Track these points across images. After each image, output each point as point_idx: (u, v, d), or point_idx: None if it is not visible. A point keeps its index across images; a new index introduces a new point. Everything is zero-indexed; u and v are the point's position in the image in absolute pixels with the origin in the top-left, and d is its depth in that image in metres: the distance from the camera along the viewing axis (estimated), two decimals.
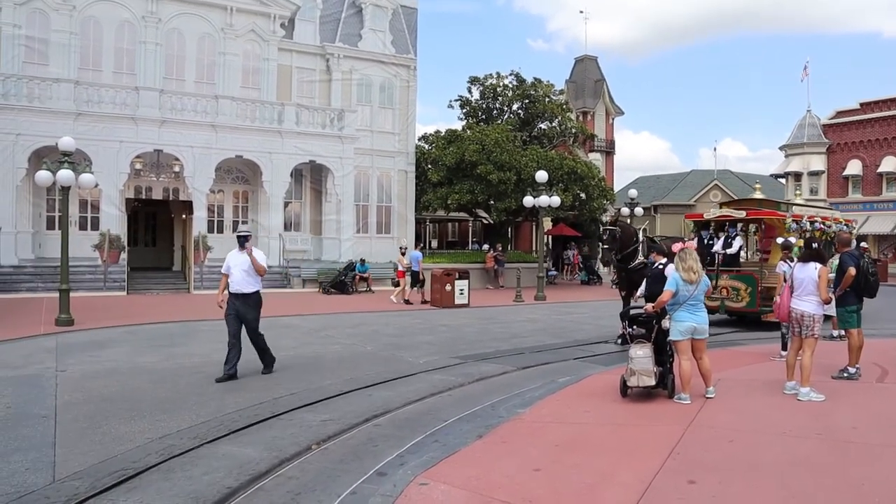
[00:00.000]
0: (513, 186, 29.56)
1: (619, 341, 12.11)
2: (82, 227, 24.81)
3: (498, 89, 37.95)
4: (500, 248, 32.13)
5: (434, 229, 45.53)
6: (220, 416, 7.71)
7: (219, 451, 6.43)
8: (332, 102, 29.93)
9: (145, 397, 8.63)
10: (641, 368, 7.94)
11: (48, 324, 15.02)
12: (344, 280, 25.98)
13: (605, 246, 13.48)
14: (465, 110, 38.81)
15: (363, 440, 6.87)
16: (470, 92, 38.81)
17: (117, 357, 11.63)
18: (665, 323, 7.96)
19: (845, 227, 17.30)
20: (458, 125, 36.89)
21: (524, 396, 8.66)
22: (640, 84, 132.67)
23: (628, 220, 23.81)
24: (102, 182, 22.47)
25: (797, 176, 45.69)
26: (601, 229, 13.96)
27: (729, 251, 15.89)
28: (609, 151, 50.01)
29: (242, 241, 9.86)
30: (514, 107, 38.25)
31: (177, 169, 26.23)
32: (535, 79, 37.59)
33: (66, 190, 15.42)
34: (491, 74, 38.10)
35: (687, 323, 7.79)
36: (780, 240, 14.41)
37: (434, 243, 43.52)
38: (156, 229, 30.99)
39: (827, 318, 10.46)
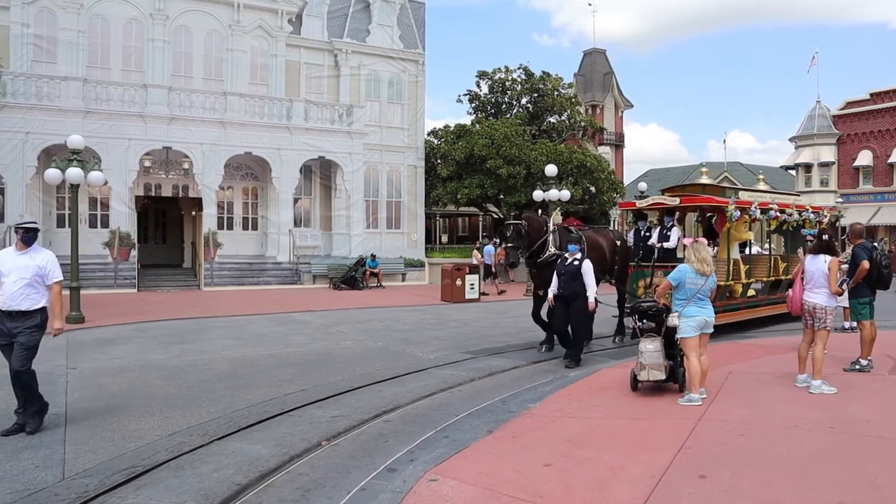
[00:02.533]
0: (522, 181, 29.50)
1: (544, 349, 11.56)
2: (92, 224, 24.89)
3: (506, 83, 37.85)
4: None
5: (444, 224, 45.51)
6: (229, 412, 7.71)
7: (228, 448, 6.43)
8: (341, 98, 29.91)
9: (155, 394, 8.64)
10: (652, 362, 7.89)
11: None
12: (354, 276, 26.01)
13: (510, 244, 11.56)
14: (473, 105, 38.73)
15: (373, 436, 6.86)
16: (478, 86, 38.74)
17: (128, 354, 11.67)
18: (673, 320, 7.70)
19: (814, 215, 15.80)
20: (466, 120, 36.85)
21: (535, 391, 8.63)
22: (647, 77, 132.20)
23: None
24: (112, 180, 22.55)
25: (807, 167, 45.37)
26: (505, 223, 12.04)
27: (666, 245, 13.69)
28: (618, 145, 49.84)
29: (27, 237, 7.04)
30: (523, 101, 38.16)
31: (186, 166, 26.28)
32: (544, 73, 37.49)
33: (75, 188, 15.47)
34: (499, 68, 38.00)
35: (698, 317, 7.61)
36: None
37: (444, 238, 43.52)
38: (166, 226, 31.08)
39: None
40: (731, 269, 13.58)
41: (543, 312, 11.68)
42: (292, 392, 8.72)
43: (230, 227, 27.88)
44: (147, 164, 25.89)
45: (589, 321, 11.10)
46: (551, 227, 11.87)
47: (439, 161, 32.94)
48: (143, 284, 23.83)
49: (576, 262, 9.96)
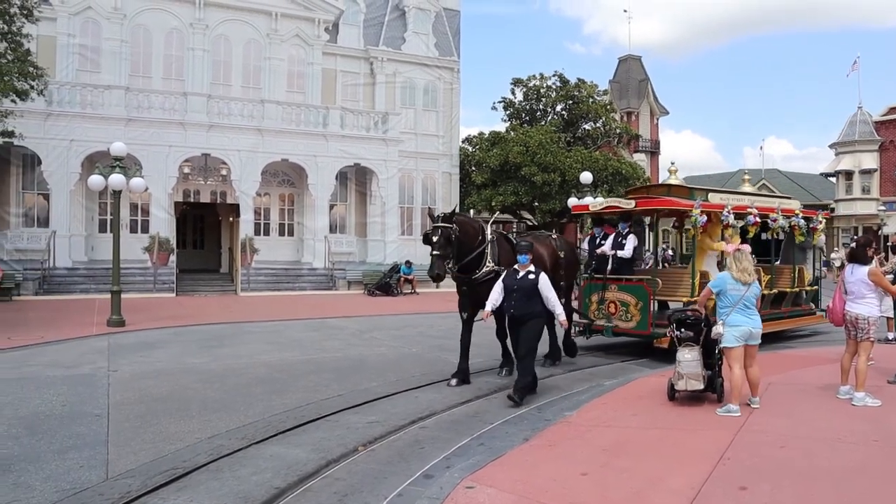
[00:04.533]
0: (557, 188, 29.42)
1: (455, 382, 9.44)
2: (133, 230, 25.37)
3: (541, 90, 37.76)
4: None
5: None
6: (267, 416, 7.79)
7: (266, 452, 6.50)
8: (376, 105, 30.13)
9: (194, 397, 8.76)
10: (689, 372, 7.77)
11: (100, 325, 15.38)
12: (389, 282, 26.12)
13: (436, 252, 9.01)
14: (508, 112, 38.70)
15: (409, 442, 6.88)
16: (513, 93, 38.70)
17: (167, 357, 11.85)
18: (718, 328, 7.47)
19: (804, 221, 14.03)
20: (501, 127, 36.81)
21: (571, 399, 8.57)
22: (680, 83, 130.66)
23: None
24: (152, 186, 22.97)
25: (848, 174, 44.55)
26: (429, 226, 9.34)
27: (620, 254, 11.99)
28: (654, 152, 49.47)
29: None
30: (558, 108, 38.02)
31: (224, 172, 26.66)
32: (579, 79, 37.32)
33: (117, 194, 15.78)
34: (534, 76, 37.92)
35: (742, 327, 7.40)
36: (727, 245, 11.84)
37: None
38: (203, 232, 31.55)
39: None
40: (694, 282, 11.79)
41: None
42: (328, 397, 8.78)
43: (267, 233, 28.20)
44: (186, 170, 26.33)
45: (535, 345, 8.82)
46: (489, 236, 9.67)
47: (474, 168, 32.98)
48: (182, 289, 24.20)
49: (531, 277, 8.40)
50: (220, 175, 27.08)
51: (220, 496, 5.39)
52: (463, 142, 34.73)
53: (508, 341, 9.50)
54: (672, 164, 14.28)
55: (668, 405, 7.87)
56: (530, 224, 35.29)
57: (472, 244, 9.37)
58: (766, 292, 12.80)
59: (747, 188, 15.17)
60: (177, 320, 16.78)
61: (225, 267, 29.44)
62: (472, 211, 33.02)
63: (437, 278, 9.15)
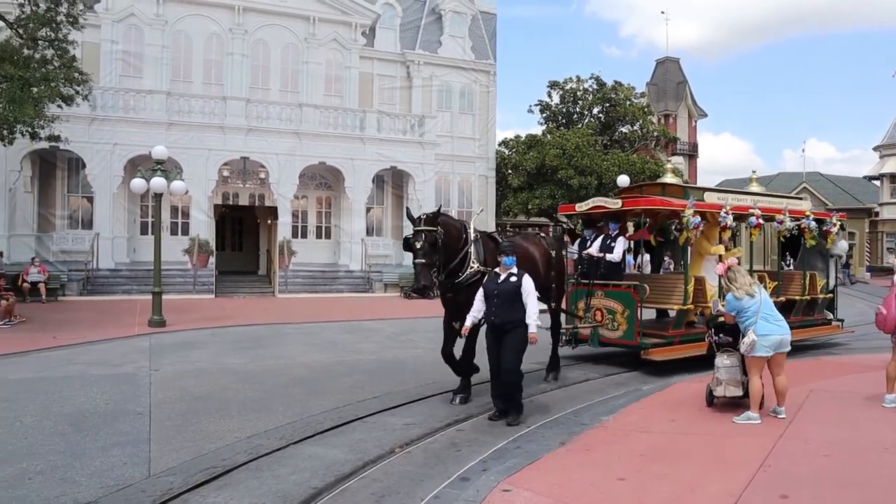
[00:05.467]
0: (594, 191, 29.24)
1: (458, 400, 8.61)
2: (173, 232, 25.77)
3: (578, 93, 37.62)
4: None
5: (514, 234, 45.43)
6: (305, 417, 7.87)
7: (305, 452, 6.56)
8: (413, 109, 30.24)
9: (234, 397, 8.88)
10: (728, 378, 7.65)
11: (142, 325, 15.65)
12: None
13: (422, 260, 8.03)
14: (544, 115, 38.63)
15: (445, 445, 6.89)
16: (549, 96, 38.62)
17: (206, 358, 12.02)
18: (751, 335, 7.18)
19: (815, 224, 13.21)
20: (537, 130, 36.77)
21: (608, 404, 8.52)
22: (718, 85, 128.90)
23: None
24: (192, 189, 23.30)
25: (893, 177, 43.57)
26: (414, 230, 8.32)
27: (609, 257, 11.25)
28: (692, 154, 48.92)
29: None
30: (595, 111, 37.84)
31: (262, 175, 26.95)
32: (616, 82, 37.11)
33: (158, 196, 16.06)
34: (571, 78, 37.81)
35: (773, 336, 7.18)
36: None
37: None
38: (242, 234, 31.93)
39: None
40: (688, 289, 11.09)
41: (459, 349, 8.96)
42: (365, 398, 8.83)
43: (304, 235, 28.44)
44: (225, 173, 26.68)
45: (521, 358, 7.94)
46: (472, 235, 8.83)
47: (510, 171, 32.95)
48: (221, 290, 24.50)
49: (513, 280, 7.62)
50: (258, 178, 27.38)
51: (259, 495, 5.45)
52: (499, 145, 34.72)
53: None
54: (669, 161, 13.68)
55: (707, 411, 7.78)
56: (566, 227, 35.11)
57: (456, 246, 8.53)
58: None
59: (755, 188, 14.16)
60: (216, 321, 17.01)
61: (263, 269, 29.74)
62: (508, 214, 33.04)
63: (424, 291, 8.16)
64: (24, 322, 15.98)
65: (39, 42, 18.23)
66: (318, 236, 29.06)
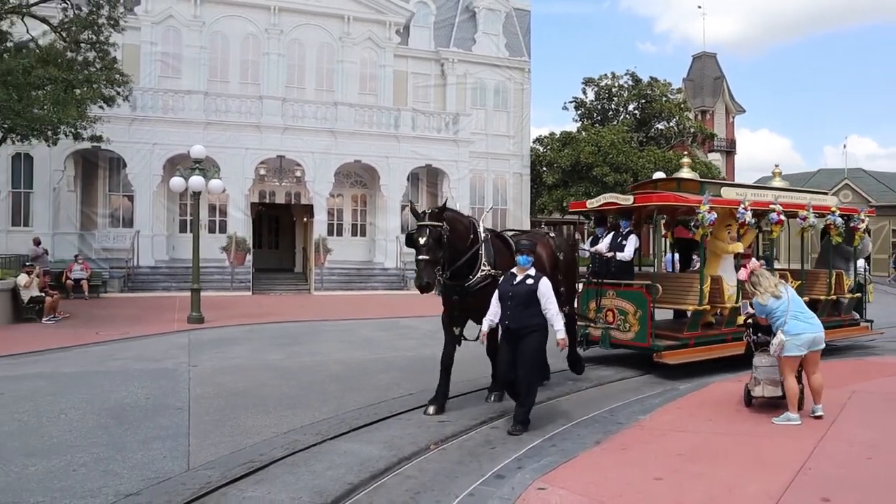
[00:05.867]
0: (630, 189, 29.00)
1: (493, 398, 8.52)
2: (211, 230, 26.12)
3: (613, 90, 37.35)
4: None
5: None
6: (341, 413, 7.92)
7: (340, 448, 6.61)
8: (447, 106, 30.27)
9: (271, 393, 8.98)
10: (767, 378, 7.52)
11: (181, 321, 15.90)
12: None
13: (425, 256, 7.40)
14: (579, 112, 38.41)
15: (480, 442, 6.88)
16: (584, 93, 38.41)
17: (244, 354, 12.18)
18: (779, 337, 7.05)
19: (842, 220, 12.64)
20: (572, 127, 36.57)
21: (644, 403, 8.44)
22: (756, 80, 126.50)
23: None
24: (230, 187, 23.59)
25: None
26: (418, 225, 7.70)
27: (619, 256, 10.77)
28: (729, 151, 48.23)
29: None
30: (630, 107, 37.54)
31: (298, 174, 27.18)
32: (652, 78, 36.75)
33: (197, 195, 16.30)
34: (606, 75, 37.57)
35: (805, 335, 7.05)
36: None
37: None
38: (278, 232, 32.25)
39: None
40: (703, 289, 10.49)
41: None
42: (400, 395, 8.86)
43: (339, 233, 28.62)
44: (262, 172, 26.96)
45: (543, 361, 8.17)
46: (482, 234, 8.21)
47: (545, 169, 32.81)
48: (258, 288, 24.78)
49: (529, 282, 7.15)
50: (294, 176, 27.62)
51: (295, 490, 5.51)
52: (534, 142, 34.59)
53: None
54: (685, 156, 13.22)
55: (745, 411, 7.66)
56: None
57: (463, 244, 7.90)
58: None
59: (778, 183, 13.53)
60: (253, 318, 17.21)
61: (299, 266, 30.01)
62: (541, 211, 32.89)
63: (426, 288, 7.50)
64: (68, 318, 16.36)
65: (82, 45, 18.66)
66: (354, 234, 29.22)
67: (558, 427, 7.32)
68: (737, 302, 10.83)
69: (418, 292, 7.61)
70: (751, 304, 7.71)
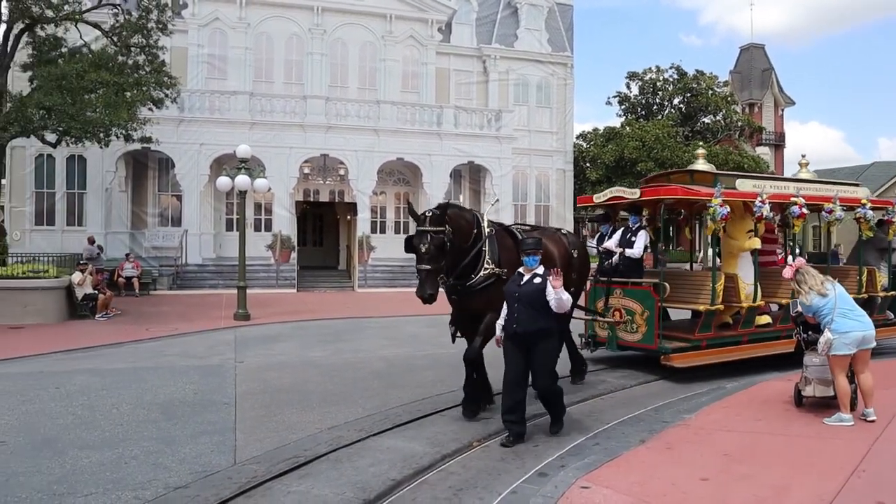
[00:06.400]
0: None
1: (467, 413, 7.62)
2: (257, 228, 26.51)
3: (658, 84, 36.88)
4: (662, 247, 31.20)
5: (593, 228, 44.90)
6: (384, 409, 7.97)
7: (384, 444, 6.66)
8: (490, 103, 30.20)
9: (315, 389, 9.09)
10: (818, 377, 7.32)
11: (227, 318, 16.18)
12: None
13: (427, 266, 6.92)
14: (623, 106, 38.04)
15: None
16: (628, 87, 38.03)
17: (289, 350, 12.34)
18: (826, 336, 6.87)
19: (872, 213, 11.82)
20: (616, 122, 36.26)
21: (690, 402, 8.31)
22: (805, 71, 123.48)
23: None
24: (274, 186, 23.94)
25: None
26: (417, 229, 7.13)
27: (628, 252, 10.14)
28: (778, 145, 47.16)
29: None
30: (675, 101, 37.05)
31: (342, 172, 27.42)
32: (697, 71, 36.21)
33: (243, 194, 16.55)
34: (650, 69, 37.13)
35: (854, 333, 6.85)
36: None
37: (593, 243, 43.02)
38: (323, 230, 32.59)
39: None
40: (716, 288, 9.92)
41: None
42: (443, 392, 8.88)
43: (383, 230, 28.80)
44: (306, 170, 27.25)
45: (555, 367, 6.98)
46: (486, 230, 7.63)
47: (588, 164, 32.56)
48: (302, 285, 25.07)
49: (538, 281, 6.59)
50: (338, 175, 27.87)
51: (339, 485, 5.57)
52: (577, 138, 34.33)
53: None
54: (700, 146, 12.17)
55: (795, 411, 7.49)
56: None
57: (466, 243, 7.33)
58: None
59: (805, 174, 12.78)
60: (298, 315, 17.41)
61: (343, 264, 30.27)
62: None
63: (428, 300, 6.99)
64: (120, 315, 16.76)
65: (132, 49, 19.15)
66: (397, 231, 29.34)
67: (602, 425, 7.27)
68: (754, 302, 10.36)
69: None
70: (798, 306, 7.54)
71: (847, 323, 6.87)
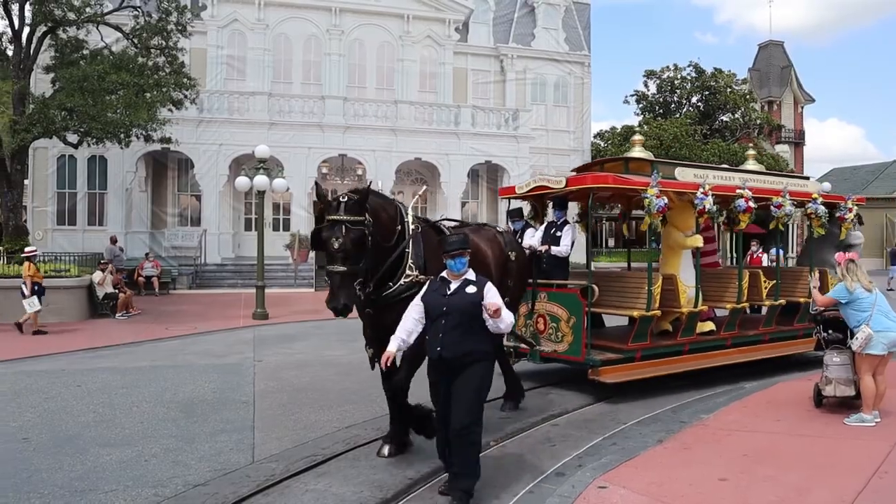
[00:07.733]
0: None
1: (387, 450, 6.30)
2: (275, 228, 26.69)
3: (675, 82, 36.63)
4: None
5: (610, 227, 44.69)
6: None
7: None
8: (507, 102, 30.19)
9: (332, 388, 9.13)
10: (839, 377, 7.24)
11: (246, 317, 16.29)
12: None
13: (341, 267, 5.42)
14: (641, 105, 37.82)
15: (540, 439, 6.88)
16: (646, 86, 37.78)
17: (307, 350, 12.39)
18: (866, 331, 6.76)
19: (823, 209, 10.59)
20: (633, 121, 36.05)
21: (707, 402, 8.28)
22: (822, 68, 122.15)
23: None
24: (293, 186, 24.01)
25: None
26: (326, 219, 5.55)
27: (555, 250, 9.02)
28: (798, 142, 46.68)
29: None
30: (693, 99, 36.77)
31: (360, 172, 27.51)
32: (716, 69, 35.91)
33: (261, 194, 16.66)
34: (668, 67, 36.87)
35: (891, 333, 6.80)
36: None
37: (611, 242, 42.72)
38: None
39: None
40: (652, 290, 8.68)
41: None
42: None
43: None
44: (324, 170, 27.38)
45: (481, 406, 5.26)
46: (410, 225, 6.25)
47: None
48: (320, 284, 25.05)
49: (471, 290, 5.12)
50: (356, 174, 27.96)
51: (356, 483, 5.60)
52: (594, 137, 34.22)
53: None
54: (635, 132, 11.01)
55: (815, 412, 7.42)
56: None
57: (388, 241, 5.95)
58: (769, 303, 10.30)
59: (752, 165, 11.90)
60: (316, 314, 17.41)
61: None
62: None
63: (342, 312, 5.56)
64: (140, 314, 16.93)
65: (152, 50, 19.34)
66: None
67: (619, 425, 7.27)
68: (695, 306, 9.19)
69: None
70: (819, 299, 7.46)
71: (885, 322, 6.83)
